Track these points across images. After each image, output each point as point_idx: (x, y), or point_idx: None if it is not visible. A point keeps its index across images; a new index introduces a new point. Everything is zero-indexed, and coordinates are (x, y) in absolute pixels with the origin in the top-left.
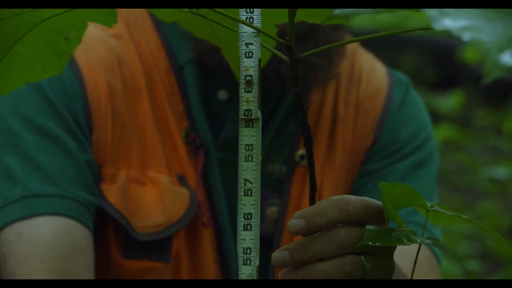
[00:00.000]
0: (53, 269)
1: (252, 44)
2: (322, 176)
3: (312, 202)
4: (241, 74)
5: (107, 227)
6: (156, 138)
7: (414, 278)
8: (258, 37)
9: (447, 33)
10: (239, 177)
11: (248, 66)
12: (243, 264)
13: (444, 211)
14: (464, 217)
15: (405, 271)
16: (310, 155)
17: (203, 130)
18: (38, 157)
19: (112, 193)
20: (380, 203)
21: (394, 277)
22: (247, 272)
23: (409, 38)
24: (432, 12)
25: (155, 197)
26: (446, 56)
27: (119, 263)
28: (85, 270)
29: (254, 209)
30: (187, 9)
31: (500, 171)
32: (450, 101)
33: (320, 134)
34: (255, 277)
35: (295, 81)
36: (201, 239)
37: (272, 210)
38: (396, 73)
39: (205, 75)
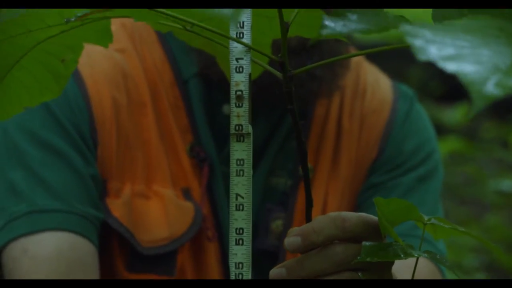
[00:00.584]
0: None
1: (242, 59)
2: (327, 189)
3: (308, 218)
4: (231, 89)
5: (111, 241)
6: (161, 152)
7: None
8: (249, 53)
9: None
10: (230, 192)
11: (239, 81)
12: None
13: (442, 224)
14: (462, 229)
15: None
16: (305, 171)
17: (207, 144)
18: (42, 172)
19: (117, 207)
20: (377, 218)
21: None
22: None
23: None
24: (418, 42)
25: (159, 211)
26: None
27: (123, 277)
28: None
29: (246, 223)
30: (180, 26)
31: (507, 184)
32: (457, 114)
33: (325, 147)
34: None
35: (289, 98)
36: (206, 252)
37: (277, 224)
38: (401, 86)
39: (209, 89)
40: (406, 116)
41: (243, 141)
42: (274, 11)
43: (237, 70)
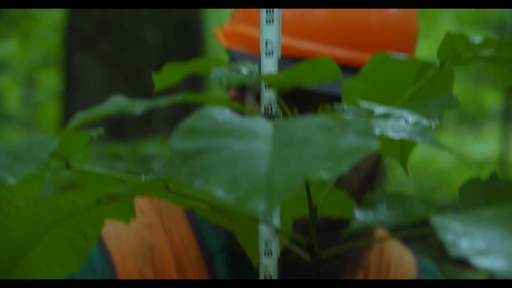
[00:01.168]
0: None
1: (271, 242)
2: None
3: None
4: (260, 272)
5: None
6: None
7: None
8: (277, 236)
9: None
10: None
11: (268, 265)
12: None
13: None
14: None
15: None
16: None
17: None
18: None
19: None
20: None
21: None
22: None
23: None
24: (449, 237)
25: None
26: None
27: None
28: None
29: None
30: (207, 207)
31: None
32: (479, 277)
33: None
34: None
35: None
36: None
37: None
38: (424, 261)
39: (235, 263)
40: None
41: None
42: (301, 192)
43: (266, 254)
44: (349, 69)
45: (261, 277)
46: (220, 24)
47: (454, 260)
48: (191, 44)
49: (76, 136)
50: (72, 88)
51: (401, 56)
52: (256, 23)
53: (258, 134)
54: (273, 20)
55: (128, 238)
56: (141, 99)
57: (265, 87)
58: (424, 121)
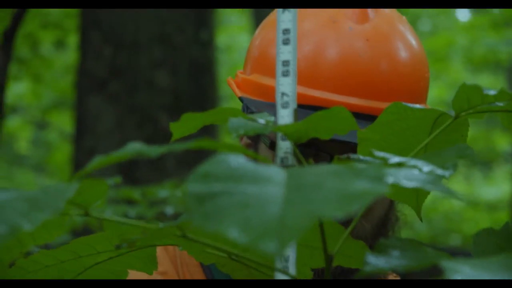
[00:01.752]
0: None
1: None
2: None
3: None
4: None
5: None
6: None
7: None
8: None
9: None
10: None
11: None
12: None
13: None
14: None
15: None
16: None
17: None
18: None
19: None
20: None
21: None
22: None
23: None
24: (457, 276)
25: None
26: None
27: None
28: None
29: None
30: (225, 255)
31: None
32: None
33: None
34: None
35: None
36: None
37: None
38: None
39: None
40: None
41: None
42: (317, 242)
43: None
44: (361, 116)
45: None
46: (232, 67)
47: None
48: (202, 87)
49: (95, 185)
50: (83, 130)
51: (417, 105)
52: (268, 73)
53: (271, 179)
54: (288, 72)
55: None
56: (154, 142)
57: (281, 137)
58: (439, 171)
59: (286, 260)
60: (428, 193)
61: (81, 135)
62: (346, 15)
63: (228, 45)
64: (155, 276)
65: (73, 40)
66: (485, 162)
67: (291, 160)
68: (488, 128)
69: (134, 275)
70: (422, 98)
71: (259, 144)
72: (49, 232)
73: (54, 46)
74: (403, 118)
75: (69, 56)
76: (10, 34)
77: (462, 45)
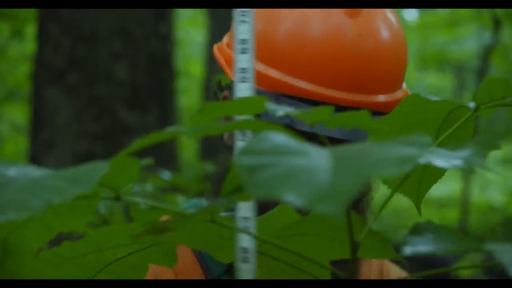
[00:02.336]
0: None
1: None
2: None
3: None
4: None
5: None
6: None
7: None
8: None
9: None
10: None
11: (246, 270)
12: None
13: None
14: None
15: None
16: None
17: None
18: None
19: None
20: None
21: None
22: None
23: None
24: (506, 258)
25: None
26: None
27: None
28: None
29: None
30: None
31: None
32: None
33: None
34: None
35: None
36: None
37: None
38: None
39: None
40: None
41: None
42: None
43: (244, 260)
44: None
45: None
46: (186, 60)
47: None
48: (161, 80)
49: (127, 164)
50: (40, 122)
51: (434, 97)
52: (274, 64)
53: (315, 153)
54: (247, 50)
55: None
56: (112, 135)
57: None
58: (472, 157)
59: (247, 220)
60: (430, 187)
61: (38, 127)
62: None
63: (182, 39)
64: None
65: (30, 30)
66: None
67: None
68: None
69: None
70: (400, 84)
71: None
72: (77, 217)
73: (10, 36)
74: (420, 110)
75: (25, 46)
76: None
77: (412, 44)
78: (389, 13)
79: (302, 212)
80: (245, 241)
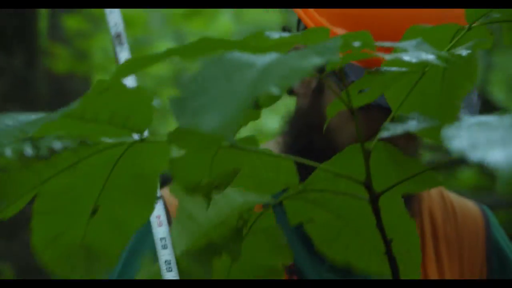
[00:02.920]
0: None
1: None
2: None
3: None
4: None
5: None
6: None
7: None
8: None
9: None
10: None
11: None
12: None
13: None
14: None
15: None
16: None
17: (299, 258)
18: None
19: None
20: None
21: None
22: None
23: None
24: (449, 131)
25: None
26: None
27: None
28: None
29: None
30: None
31: None
32: None
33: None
34: None
35: (378, 218)
36: None
37: None
38: (485, 209)
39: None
40: (497, 229)
41: None
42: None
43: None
44: None
45: None
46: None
47: None
48: (25, 21)
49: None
50: None
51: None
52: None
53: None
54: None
55: None
56: None
57: None
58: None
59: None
60: None
61: None
62: None
63: None
64: None
65: None
66: None
67: None
68: None
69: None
70: None
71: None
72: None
73: None
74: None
75: None
76: None
77: None
78: None
79: None
80: (166, 255)
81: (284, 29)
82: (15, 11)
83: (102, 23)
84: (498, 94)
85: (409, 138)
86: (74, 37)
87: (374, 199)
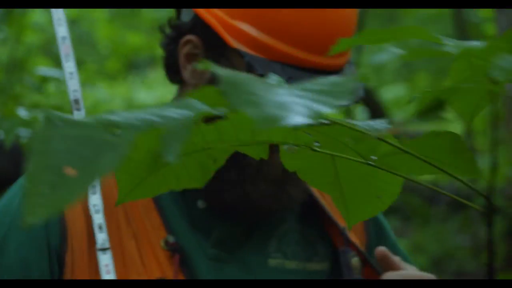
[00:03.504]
0: None
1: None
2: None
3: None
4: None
5: None
6: (134, 249)
7: None
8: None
9: None
10: None
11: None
12: None
13: None
14: None
15: None
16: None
17: (183, 237)
18: None
19: None
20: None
21: None
22: None
23: None
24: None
25: None
26: None
27: None
28: None
29: None
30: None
31: None
32: None
33: None
34: None
35: (489, 231)
36: None
37: (355, 260)
38: None
39: (182, 192)
40: None
41: None
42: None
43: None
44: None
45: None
46: None
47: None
48: None
49: None
50: None
51: None
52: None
53: None
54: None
55: None
56: None
57: None
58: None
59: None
60: (483, 109)
61: None
62: None
63: None
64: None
65: None
66: (141, 68)
67: None
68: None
69: None
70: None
71: None
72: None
73: None
74: None
75: None
76: None
77: None
78: None
79: None
80: (94, 199)
81: (160, 29)
82: None
83: None
84: None
85: None
86: None
87: (490, 212)
